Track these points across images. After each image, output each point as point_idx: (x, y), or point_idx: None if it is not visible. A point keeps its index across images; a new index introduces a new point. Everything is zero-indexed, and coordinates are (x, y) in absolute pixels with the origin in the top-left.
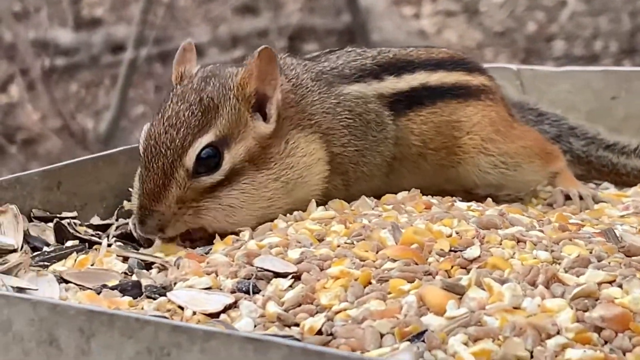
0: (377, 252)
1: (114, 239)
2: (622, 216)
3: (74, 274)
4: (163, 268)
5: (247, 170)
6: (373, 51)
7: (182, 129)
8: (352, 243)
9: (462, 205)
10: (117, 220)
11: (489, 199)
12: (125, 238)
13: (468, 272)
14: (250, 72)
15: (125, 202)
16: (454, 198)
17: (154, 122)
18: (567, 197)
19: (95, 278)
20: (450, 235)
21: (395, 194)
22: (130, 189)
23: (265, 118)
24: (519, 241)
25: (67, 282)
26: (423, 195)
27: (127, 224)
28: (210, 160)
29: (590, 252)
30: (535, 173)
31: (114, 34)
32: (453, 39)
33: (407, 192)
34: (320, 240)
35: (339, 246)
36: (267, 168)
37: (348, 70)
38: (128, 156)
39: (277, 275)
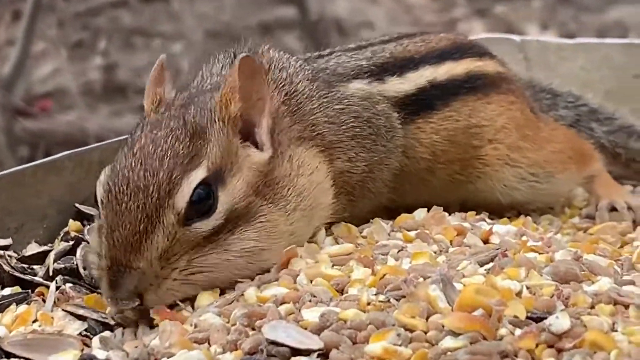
0: (427, 319)
1: (60, 276)
2: None
3: (18, 342)
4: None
5: (256, 206)
6: (366, 52)
7: (166, 159)
8: (389, 300)
9: (501, 229)
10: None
11: (529, 218)
12: (71, 274)
13: (559, 352)
14: (231, 88)
15: (71, 222)
16: (482, 216)
17: (120, 158)
18: (612, 209)
19: (47, 347)
20: (520, 293)
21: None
22: (77, 205)
23: (257, 145)
24: (615, 303)
25: (9, 355)
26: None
27: (72, 251)
28: (202, 202)
29: None
30: (569, 182)
31: None
32: None
33: (426, 209)
34: (341, 291)
35: (369, 304)
36: (280, 198)
37: (342, 69)
38: (75, 162)
39: (296, 352)
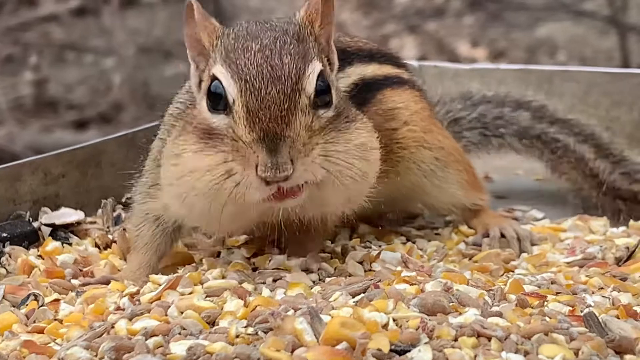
0: (292, 352)
1: None
2: (569, 263)
3: None
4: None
5: (351, 112)
6: None
7: (286, 56)
8: (257, 333)
9: (387, 256)
10: None
11: (415, 246)
12: None
13: None
14: (315, 10)
15: None
16: (367, 240)
17: (238, 58)
18: (501, 235)
19: None
20: (386, 326)
21: None
22: None
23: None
24: (479, 335)
25: None
26: None
27: None
28: (324, 93)
29: (576, 354)
30: (460, 188)
31: None
32: None
33: None
34: (212, 323)
35: (238, 337)
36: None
37: None
38: None
39: None
